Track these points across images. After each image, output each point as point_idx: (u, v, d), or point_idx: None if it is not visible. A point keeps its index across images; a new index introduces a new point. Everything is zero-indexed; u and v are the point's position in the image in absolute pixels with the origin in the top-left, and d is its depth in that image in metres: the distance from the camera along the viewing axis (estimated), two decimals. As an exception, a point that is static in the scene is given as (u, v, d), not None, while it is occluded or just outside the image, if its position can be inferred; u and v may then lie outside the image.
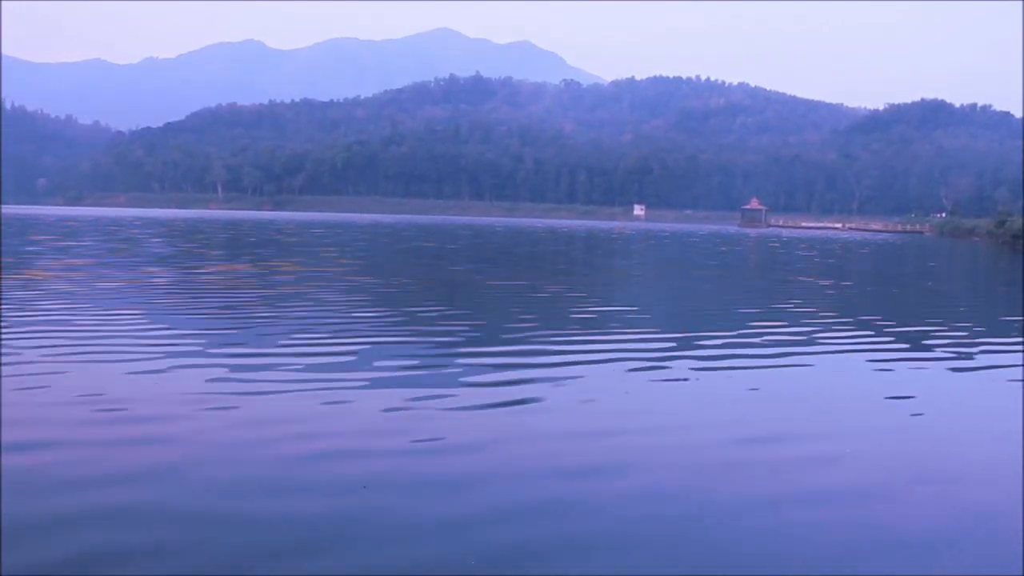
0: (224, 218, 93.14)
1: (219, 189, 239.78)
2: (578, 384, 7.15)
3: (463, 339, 9.49)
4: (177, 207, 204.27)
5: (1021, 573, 3.51)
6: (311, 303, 12.54)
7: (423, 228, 67.49)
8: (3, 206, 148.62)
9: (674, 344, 9.45)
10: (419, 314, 11.90)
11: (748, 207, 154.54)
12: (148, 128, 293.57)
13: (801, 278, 22.05)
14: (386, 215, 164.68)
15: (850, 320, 12.44)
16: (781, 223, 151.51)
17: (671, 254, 35.56)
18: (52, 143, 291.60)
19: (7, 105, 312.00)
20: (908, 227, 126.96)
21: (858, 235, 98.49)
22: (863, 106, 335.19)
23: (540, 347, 8.99)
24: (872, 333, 10.96)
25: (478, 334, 9.99)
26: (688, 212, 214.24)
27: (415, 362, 7.92)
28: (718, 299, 16.25)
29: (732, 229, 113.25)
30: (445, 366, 7.80)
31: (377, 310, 12.36)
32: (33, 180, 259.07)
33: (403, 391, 6.63)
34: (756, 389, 7.19)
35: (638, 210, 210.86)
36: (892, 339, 10.53)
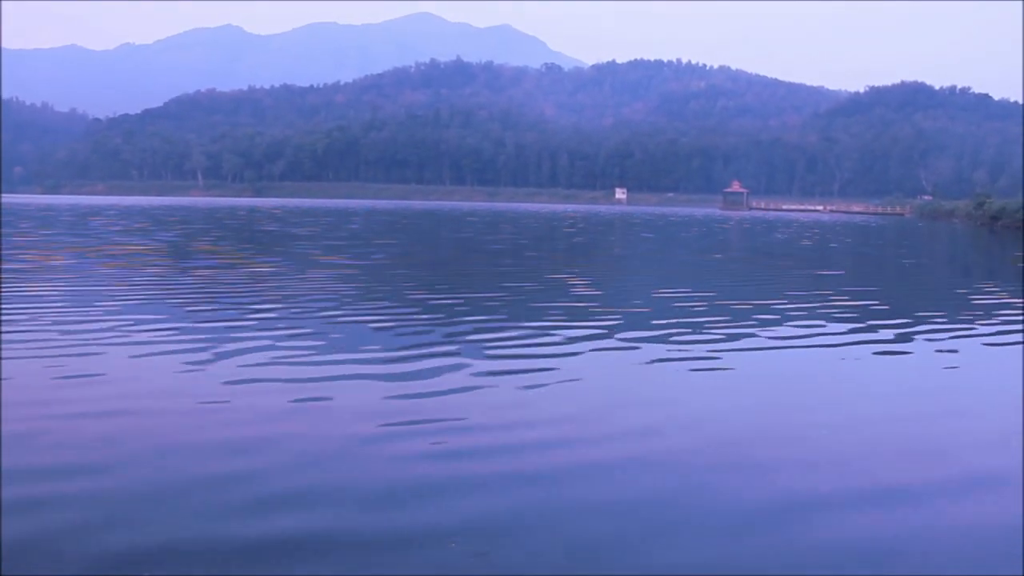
0: (224, 205, 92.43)
1: (199, 176, 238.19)
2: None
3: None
4: (157, 195, 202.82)
5: (1021, 573, 3.49)
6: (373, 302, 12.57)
7: (432, 215, 66.85)
8: None
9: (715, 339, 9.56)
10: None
11: (730, 190, 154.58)
12: (126, 115, 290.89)
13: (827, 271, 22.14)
14: (373, 200, 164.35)
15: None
16: (763, 206, 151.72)
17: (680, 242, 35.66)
18: (28, 130, 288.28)
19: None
20: (889, 209, 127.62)
21: (841, 217, 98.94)
22: (844, 89, 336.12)
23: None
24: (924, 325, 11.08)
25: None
26: (670, 195, 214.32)
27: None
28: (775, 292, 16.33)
29: (712, 212, 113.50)
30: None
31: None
32: (9, 168, 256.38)
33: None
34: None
35: (620, 194, 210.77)
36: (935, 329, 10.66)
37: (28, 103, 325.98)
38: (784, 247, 29.41)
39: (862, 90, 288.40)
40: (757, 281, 16.47)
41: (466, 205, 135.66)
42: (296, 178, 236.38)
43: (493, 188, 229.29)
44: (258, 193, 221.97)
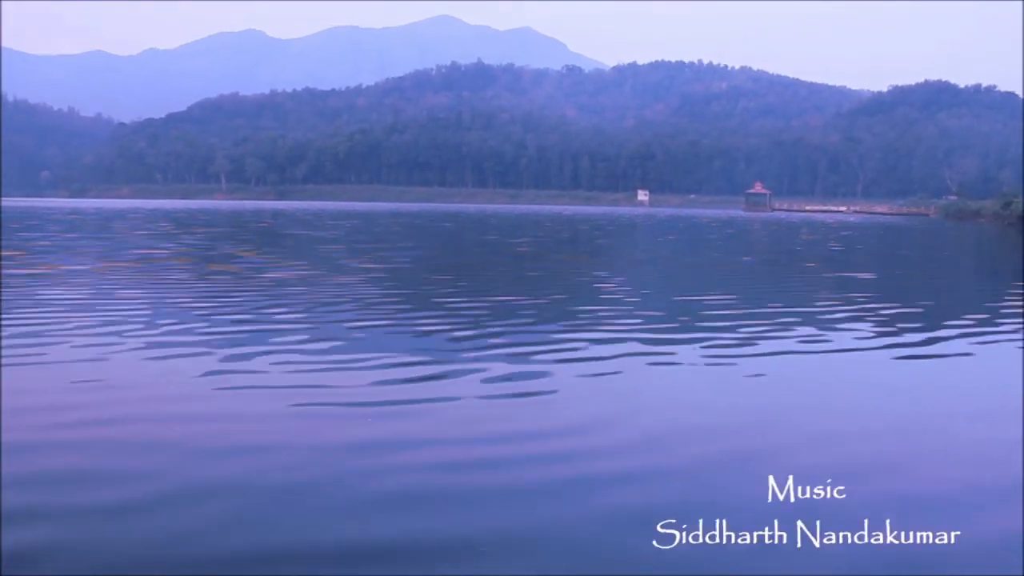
0: (248, 208, 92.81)
1: (222, 180, 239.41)
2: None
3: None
4: (181, 198, 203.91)
5: (1021, 573, 3.53)
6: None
7: (455, 217, 66.96)
8: (5, 199, 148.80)
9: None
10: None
11: (752, 191, 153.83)
12: (150, 119, 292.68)
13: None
14: (395, 203, 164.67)
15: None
16: (785, 207, 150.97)
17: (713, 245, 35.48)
18: (55, 135, 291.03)
19: (9, 98, 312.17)
20: (913, 209, 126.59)
21: (866, 218, 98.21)
22: (866, 88, 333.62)
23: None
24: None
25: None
26: (692, 197, 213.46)
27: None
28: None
29: (735, 213, 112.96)
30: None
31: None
32: (36, 173, 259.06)
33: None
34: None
35: (642, 195, 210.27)
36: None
37: (55, 108, 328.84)
38: (813, 249, 29.17)
39: (885, 89, 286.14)
40: (789, 284, 16.28)
41: (489, 207, 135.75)
42: (318, 181, 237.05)
43: (515, 190, 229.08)
44: (281, 196, 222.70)
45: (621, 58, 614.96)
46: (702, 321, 10.18)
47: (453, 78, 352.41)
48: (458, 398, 6.08)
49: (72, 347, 7.76)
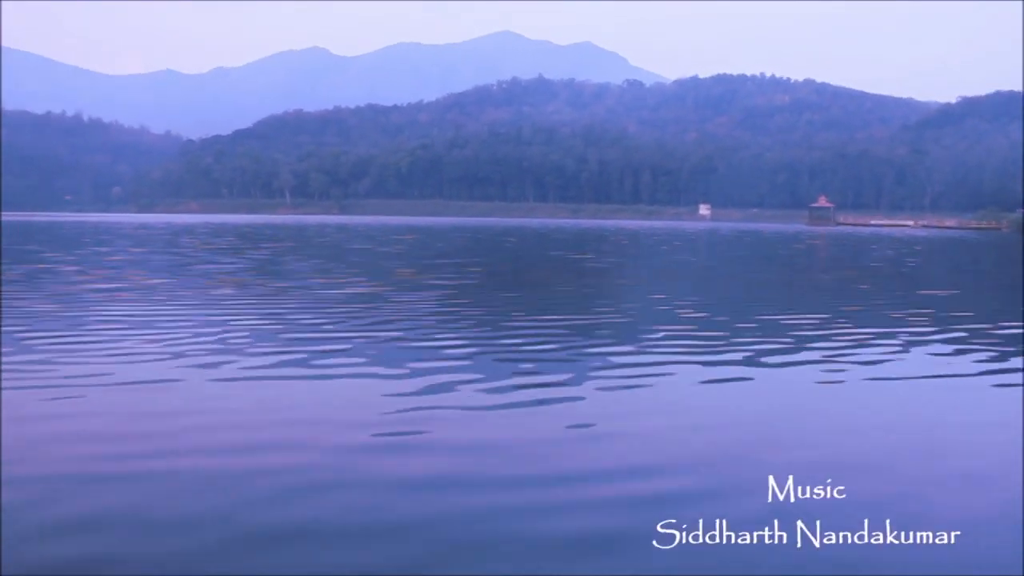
0: (312, 223, 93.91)
1: (287, 194, 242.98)
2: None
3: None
4: (246, 212, 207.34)
5: (1021, 573, 3.54)
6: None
7: (517, 232, 66.93)
8: (82, 214, 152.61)
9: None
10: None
11: (816, 205, 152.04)
12: (217, 136, 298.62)
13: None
14: (456, 217, 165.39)
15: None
16: (850, 221, 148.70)
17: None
18: (126, 152, 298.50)
19: (84, 117, 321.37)
20: (984, 224, 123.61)
21: (935, 232, 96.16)
22: (934, 100, 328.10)
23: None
24: None
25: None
26: (754, 211, 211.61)
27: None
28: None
29: (800, 227, 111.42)
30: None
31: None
32: (108, 189, 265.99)
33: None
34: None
35: (703, 209, 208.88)
36: None
37: (127, 126, 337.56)
38: (891, 265, 28.37)
39: (953, 100, 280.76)
40: (875, 302, 15.63)
41: (551, 222, 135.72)
42: (381, 196, 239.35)
43: (576, 205, 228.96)
44: (344, 211, 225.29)
45: (682, 71, 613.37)
46: (810, 342, 9.79)
47: (514, 93, 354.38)
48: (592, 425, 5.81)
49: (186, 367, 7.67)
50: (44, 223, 74.92)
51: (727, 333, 10.47)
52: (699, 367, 8.14)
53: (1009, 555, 3.73)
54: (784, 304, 14.95)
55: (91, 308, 12.00)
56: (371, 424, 5.80)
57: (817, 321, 11.78)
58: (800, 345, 9.59)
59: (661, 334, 10.24)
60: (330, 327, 10.51)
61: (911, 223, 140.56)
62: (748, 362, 8.43)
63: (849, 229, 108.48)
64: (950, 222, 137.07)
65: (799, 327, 11.12)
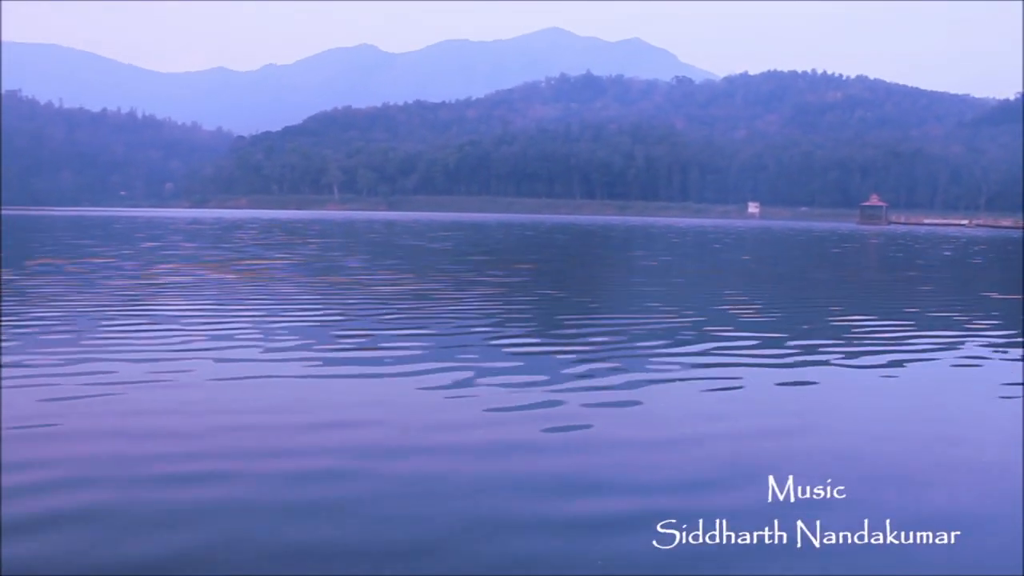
0: (360, 219, 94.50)
1: (335, 190, 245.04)
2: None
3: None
4: (295, 208, 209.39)
5: (1021, 573, 3.54)
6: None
7: (566, 229, 66.73)
8: (136, 209, 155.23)
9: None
10: None
11: (867, 204, 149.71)
12: (267, 132, 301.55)
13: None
14: (504, 214, 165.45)
15: None
16: (902, 220, 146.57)
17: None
18: (178, 149, 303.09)
19: (138, 114, 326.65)
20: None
21: (992, 232, 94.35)
22: (991, 96, 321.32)
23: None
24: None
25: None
26: (803, 209, 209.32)
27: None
28: None
29: (852, 226, 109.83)
30: None
31: None
32: (161, 184, 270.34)
33: None
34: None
35: (752, 208, 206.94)
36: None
37: (179, 123, 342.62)
38: (956, 267, 27.85)
39: (1012, 97, 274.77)
40: (952, 305, 15.13)
41: (600, 219, 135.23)
42: (428, 192, 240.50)
43: (623, 202, 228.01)
44: (392, 207, 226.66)
45: (732, 68, 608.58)
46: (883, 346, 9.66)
47: (562, 89, 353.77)
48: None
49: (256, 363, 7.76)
50: (100, 218, 76.17)
51: (797, 336, 10.35)
52: (770, 370, 8.04)
53: (1009, 555, 3.72)
54: (850, 305, 14.69)
55: (142, 304, 12.17)
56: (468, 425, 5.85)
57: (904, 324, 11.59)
58: (882, 349, 9.46)
59: (726, 335, 10.14)
60: (395, 324, 10.57)
61: (966, 222, 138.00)
62: (834, 364, 8.36)
63: (903, 228, 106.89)
64: (1006, 222, 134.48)
65: (875, 331, 10.97)
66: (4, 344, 8.28)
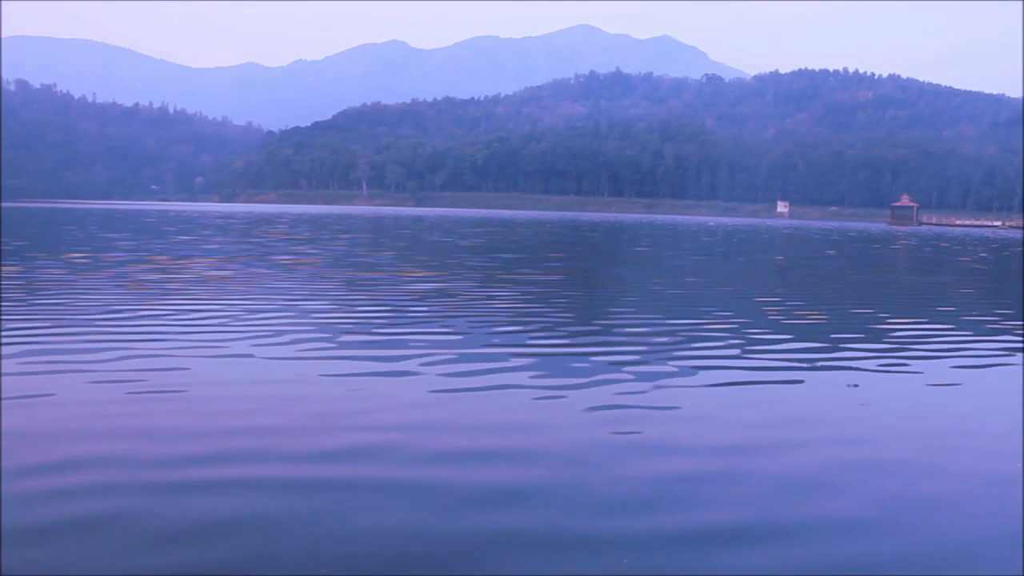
0: (388, 214, 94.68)
1: (364, 186, 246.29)
2: None
3: None
4: (324, 203, 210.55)
5: (1021, 573, 3.48)
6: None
7: (596, 227, 66.65)
8: (167, 204, 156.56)
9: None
10: None
11: (898, 204, 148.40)
12: (297, 127, 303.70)
13: None
14: (532, 211, 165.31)
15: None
16: (934, 220, 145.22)
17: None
18: (209, 143, 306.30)
19: (169, 109, 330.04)
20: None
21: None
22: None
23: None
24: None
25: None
26: (833, 209, 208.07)
27: None
28: None
29: (884, 227, 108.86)
30: None
31: None
32: (192, 178, 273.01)
33: None
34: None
35: (782, 207, 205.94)
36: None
37: (210, 118, 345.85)
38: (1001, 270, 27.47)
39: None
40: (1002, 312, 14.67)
41: (628, 216, 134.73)
42: (456, 188, 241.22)
43: (651, 200, 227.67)
44: (419, 203, 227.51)
45: (762, 67, 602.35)
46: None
47: (591, 87, 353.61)
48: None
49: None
50: (131, 211, 76.76)
51: (841, 340, 10.23)
52: (827, 373, 7.94)
53: (1009, 555, 3.66)
54: (888, 308, 14.50)
55: (168, 300, 12.20)
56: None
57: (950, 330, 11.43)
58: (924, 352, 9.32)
59: (767, 337, 10.04)
60: (436, 322, 10.54)
61: (998, 224, 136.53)
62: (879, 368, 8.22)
63: (936, 229, 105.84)
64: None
65: (916, 335, 10.82)
66: (7, 345, 8.27)
